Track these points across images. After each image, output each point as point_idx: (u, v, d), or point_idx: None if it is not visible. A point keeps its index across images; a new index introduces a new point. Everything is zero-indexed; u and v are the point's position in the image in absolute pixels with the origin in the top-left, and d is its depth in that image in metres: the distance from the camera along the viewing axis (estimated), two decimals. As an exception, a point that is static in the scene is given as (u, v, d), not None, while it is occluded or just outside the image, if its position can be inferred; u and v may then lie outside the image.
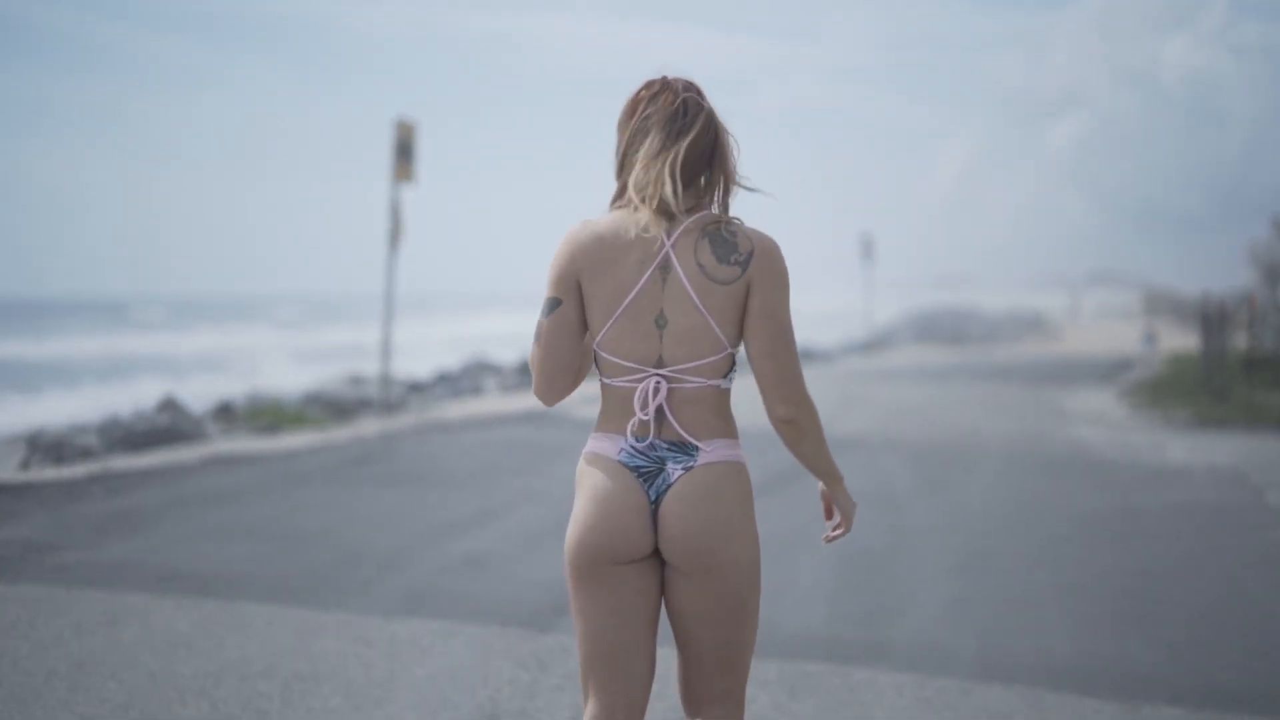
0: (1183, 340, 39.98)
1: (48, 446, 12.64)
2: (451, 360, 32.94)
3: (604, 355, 3.18)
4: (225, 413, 16.90)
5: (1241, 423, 18.02)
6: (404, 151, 17.89)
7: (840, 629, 6.95)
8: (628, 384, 3.17)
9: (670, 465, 3.16)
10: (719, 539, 3.15)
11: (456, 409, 18.86)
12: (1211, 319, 23.92)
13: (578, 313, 3.20)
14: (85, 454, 12.79)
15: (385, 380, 18.58)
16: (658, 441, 3.17)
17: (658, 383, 3.14)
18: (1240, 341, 26.25)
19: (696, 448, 3.16)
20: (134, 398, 21.03)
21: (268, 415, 16.32)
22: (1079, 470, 13.20)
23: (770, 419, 3.22)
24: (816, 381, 25.43)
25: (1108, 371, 29.57)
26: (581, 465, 3.24)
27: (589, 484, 3.20)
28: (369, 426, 15.89)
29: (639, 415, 3.15)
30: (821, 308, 78.20)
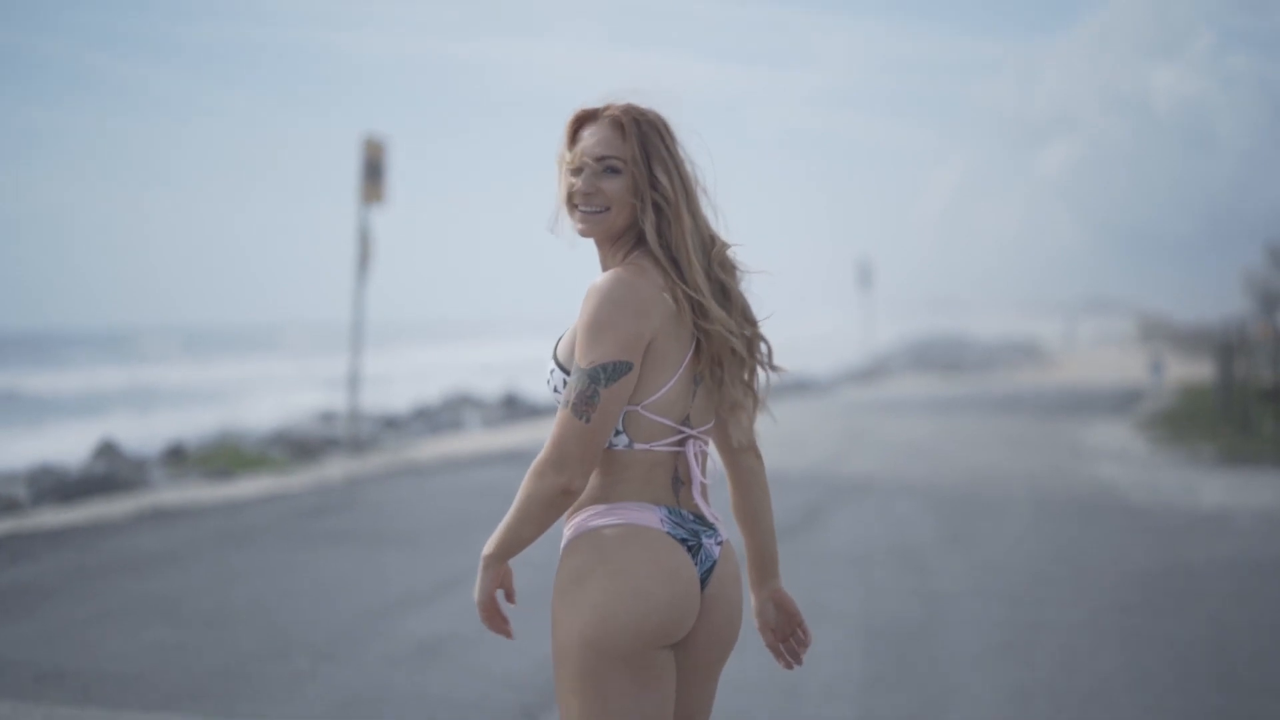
0: (1185, 369, 38.83)
1: (-33, 498, 11.29)
2: (433, 390, 31.37)
3: (647, 416, 2.84)
4: (175, 456, 15.40)
5: (1272, 459, 16.91)
6: (373, 171, 16.63)
7: (877, 741, 5.64)
8: (665, 448, 2.84)
9: (705, 539, 2.87)
10: (739, 625, 2.95)
11: (432, 448, 17.60)
12: (1232, 348, 22.70)
13: (637, 379, 2.81)
14: (10, 506, 11.44)
15: (354, 416, 17.25)
16: (685, 512, 2.87)
17: (701, 445, 2.88)
18: (1257, 370, 25.01)
19: (712, 523, 2.90)
20: (88, 438, 19.39)
21: (222, 458, 14.95)
22: (1113, 517, 12.01)
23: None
24: (816, 415, 24.13)
25: (1118, 402, 28.38)
26: (614, 536, 2.82)
27: (646, 557, 2.80)
28: (334, 469, 14.61)
29: (700, 481, 2.86)
30: (813, 330, 76.66)
